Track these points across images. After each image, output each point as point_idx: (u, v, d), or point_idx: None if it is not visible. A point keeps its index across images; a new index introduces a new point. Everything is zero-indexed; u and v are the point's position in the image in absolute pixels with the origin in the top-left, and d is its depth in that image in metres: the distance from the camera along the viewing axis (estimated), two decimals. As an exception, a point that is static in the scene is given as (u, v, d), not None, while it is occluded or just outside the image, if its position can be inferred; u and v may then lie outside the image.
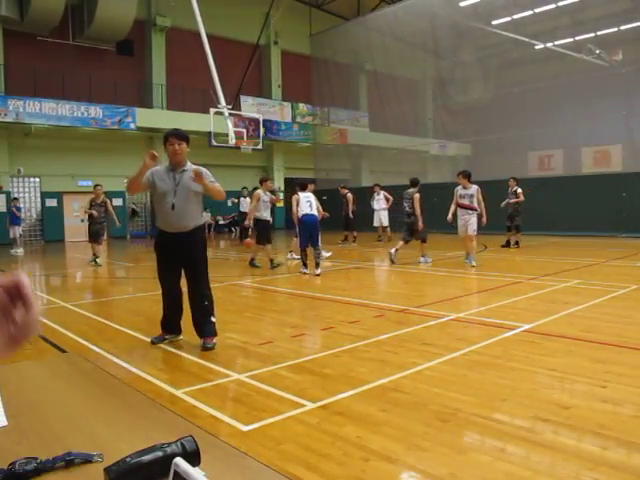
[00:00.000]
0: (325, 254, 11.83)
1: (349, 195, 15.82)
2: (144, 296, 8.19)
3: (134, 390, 1.52)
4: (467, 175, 10.22)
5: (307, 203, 9.62)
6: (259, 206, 10.31)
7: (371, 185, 20.71)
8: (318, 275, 9.39)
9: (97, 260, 12.11)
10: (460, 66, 24.24)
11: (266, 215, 10.47)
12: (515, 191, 13.10)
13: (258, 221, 10.43)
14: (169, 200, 4.72)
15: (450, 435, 2.91)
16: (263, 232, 10.46)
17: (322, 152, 25.95)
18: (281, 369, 4.14)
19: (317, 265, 9.59)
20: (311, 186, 10.24)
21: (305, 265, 9.71)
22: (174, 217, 4.73)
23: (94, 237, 12.17)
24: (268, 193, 10.62)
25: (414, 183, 10.81)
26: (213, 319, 4.86)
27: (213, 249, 17.02)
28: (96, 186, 12.59)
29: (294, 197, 9.87)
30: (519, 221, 13.15)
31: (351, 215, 15.69)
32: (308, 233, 9.66)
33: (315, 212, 9.69)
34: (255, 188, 11.53)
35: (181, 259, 4.80)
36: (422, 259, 10.85)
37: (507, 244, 13.52)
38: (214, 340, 4.80)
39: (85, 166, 20.71)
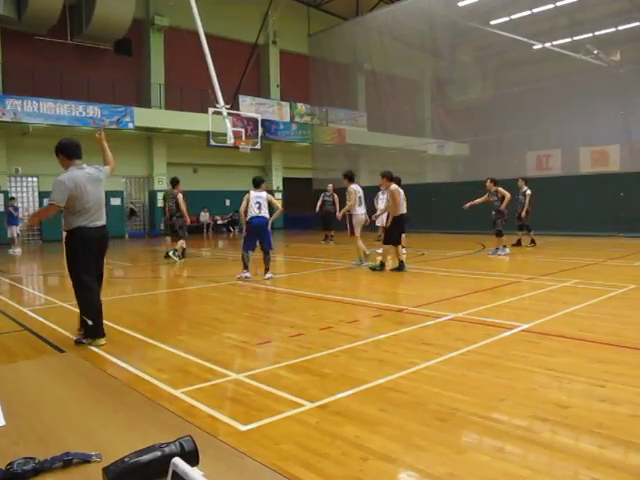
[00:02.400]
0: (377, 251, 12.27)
1: (336, 195, 16.53)
2: (142, 296, 8.19)
3: (132, 390, 1.52)
4: (346, 176, 10.60)
5: (257, 205, 8.84)
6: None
7: (370, 185, 20.73)
8: (267, 279, 8.99)
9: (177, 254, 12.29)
10: (458, 66, 24.23)
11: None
12: (525, 192, 13.13)
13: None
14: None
15: (449, 435, 2.92)
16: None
17: (320, 152, 25.95)
18: (280, 369, 4.14)
19: (266, 270, 9.11)
20: (263, 185, 9.46)
21: (246, 267, 8.99)
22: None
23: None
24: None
25: (495, 181, 11.96)
26: (88, 322, 4.94)
27: (211, 249, 17.02)
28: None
29: (246, 196, 9.05)
30: (526, 220, 13.23)
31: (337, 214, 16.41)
32: (256, 237, 9.00)
33: (264, 214, 8.92)
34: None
35: None
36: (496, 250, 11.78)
37: (532, 242, 13.48)
38: (83, 340, 4.99)
39: (83, 166, 20.65)
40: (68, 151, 5.08)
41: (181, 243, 12.22)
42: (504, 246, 11.78)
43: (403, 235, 12.71)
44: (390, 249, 9.84)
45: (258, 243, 9.20)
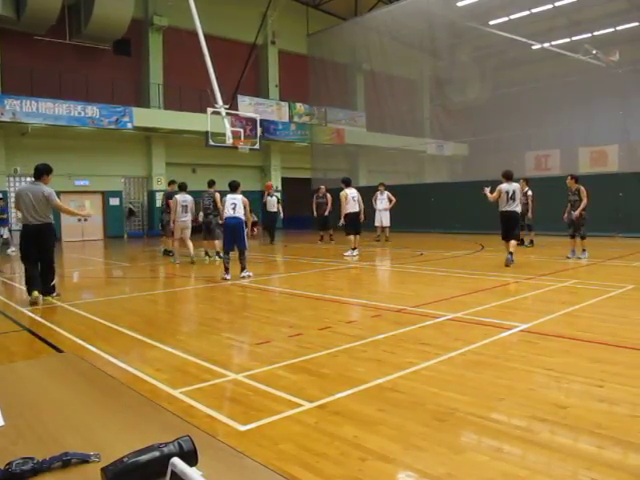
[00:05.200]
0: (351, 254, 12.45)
1: (329, 195, 16.64)
2: (141, 296, 8.19)
3: (131, 390, 1.51)
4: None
5: (231, 205, 9.24)
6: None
7: (368, 185, 20.76)
8: (244, 278, 9.16)
9: (216, 255, 12.31)
10: (457, 66, 24.23)
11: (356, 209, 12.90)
12: (526, 192, 13.14)
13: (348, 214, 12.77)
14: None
15: (447, 435, 2.92)
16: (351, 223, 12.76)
17: (319, 152, 25.93)
18: (278, 369, 4.14)
19: (242, 268, 9.32)
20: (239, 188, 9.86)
21: (227, 270, 9.24)
22: None
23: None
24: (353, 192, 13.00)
25: (577, 179, 11.02)
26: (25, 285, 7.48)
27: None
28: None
29: (222, 199, 9.52)
30: (528, 220, 13.18)
31: (327, 214, 16.61)
32: (231, 236, 9.29)
33: (239, 215, 9.24)
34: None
35: None
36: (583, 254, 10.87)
37: (521, 242, 13.44)
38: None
39: (82, 166, 20.68)
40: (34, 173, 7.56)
41: (218, 244, 12.36)
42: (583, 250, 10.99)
43: (358, 236, 12.85)
44: (505, 244, 10.18)
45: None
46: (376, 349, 4.64)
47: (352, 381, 3.78)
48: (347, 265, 11.28)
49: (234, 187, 9.52)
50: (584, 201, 10.57)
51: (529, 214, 13.00)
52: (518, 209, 10.08)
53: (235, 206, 9.24)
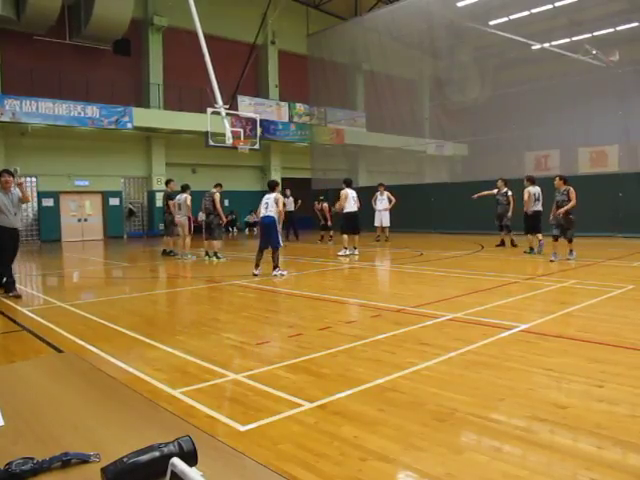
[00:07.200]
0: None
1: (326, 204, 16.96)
2: (141, 296, 8.18)
3: (131, 390, 1.51)
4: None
5: (264, 205, 9.44)
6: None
7: (368, 185, 20.76)
8: (275, 277, 9.30)
9: (218, 255, 12.43)
10: (457, 66, 24.18)
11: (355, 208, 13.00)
12: (505, 193, 13.18)
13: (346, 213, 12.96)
14: (11, 210, 7.71)
15: (447, 435, 2.92)
16: (348, 222, 12.91)
17: (319, 152, 25.93)
18: (278, 369, 4.14)
19: (275, 267, 9.46)
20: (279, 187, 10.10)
21: (257, 266, 9.51)
22: (15, 220, 7.84)
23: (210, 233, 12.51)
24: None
25: (565, 179, 10.91)
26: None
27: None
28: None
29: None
30: (507, 221, 13.18)
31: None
32: (264, 235, 9.54)
33: (271, 213, 9.33)
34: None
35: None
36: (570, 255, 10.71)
37: (502, 243, 13.59)
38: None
39: (82, 166, 20.67)
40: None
41: (217, 244, 12.43)
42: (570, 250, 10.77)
43: (357, 236, 12.88)
44: (531, 237, 12.01)
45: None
46: (376, 349, 4.64)
47: (352, 381, 3.78)
48: (347, 265, 11.28)
49: (272, 187, 9.71)
50: (572, 202, 10.45)
51: (509, 214, 13.04)
52: (541, 208, 11.82)
53: (267, 205, 9.40)
